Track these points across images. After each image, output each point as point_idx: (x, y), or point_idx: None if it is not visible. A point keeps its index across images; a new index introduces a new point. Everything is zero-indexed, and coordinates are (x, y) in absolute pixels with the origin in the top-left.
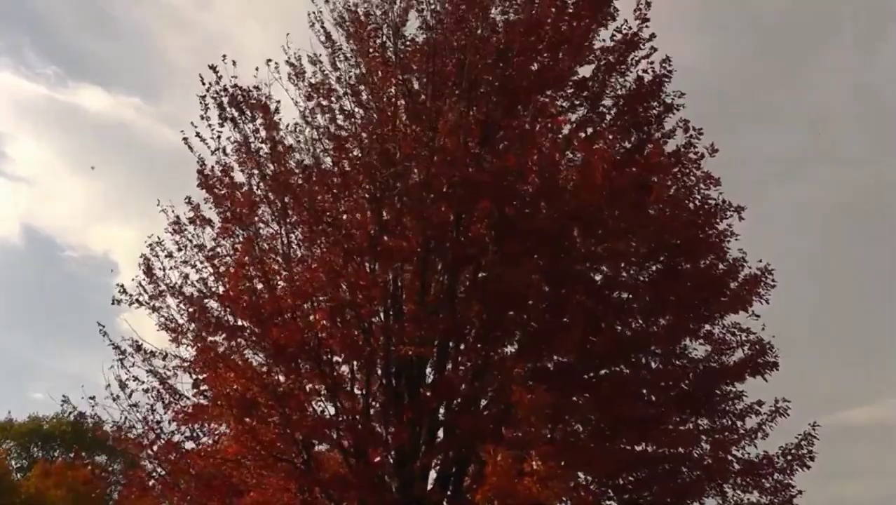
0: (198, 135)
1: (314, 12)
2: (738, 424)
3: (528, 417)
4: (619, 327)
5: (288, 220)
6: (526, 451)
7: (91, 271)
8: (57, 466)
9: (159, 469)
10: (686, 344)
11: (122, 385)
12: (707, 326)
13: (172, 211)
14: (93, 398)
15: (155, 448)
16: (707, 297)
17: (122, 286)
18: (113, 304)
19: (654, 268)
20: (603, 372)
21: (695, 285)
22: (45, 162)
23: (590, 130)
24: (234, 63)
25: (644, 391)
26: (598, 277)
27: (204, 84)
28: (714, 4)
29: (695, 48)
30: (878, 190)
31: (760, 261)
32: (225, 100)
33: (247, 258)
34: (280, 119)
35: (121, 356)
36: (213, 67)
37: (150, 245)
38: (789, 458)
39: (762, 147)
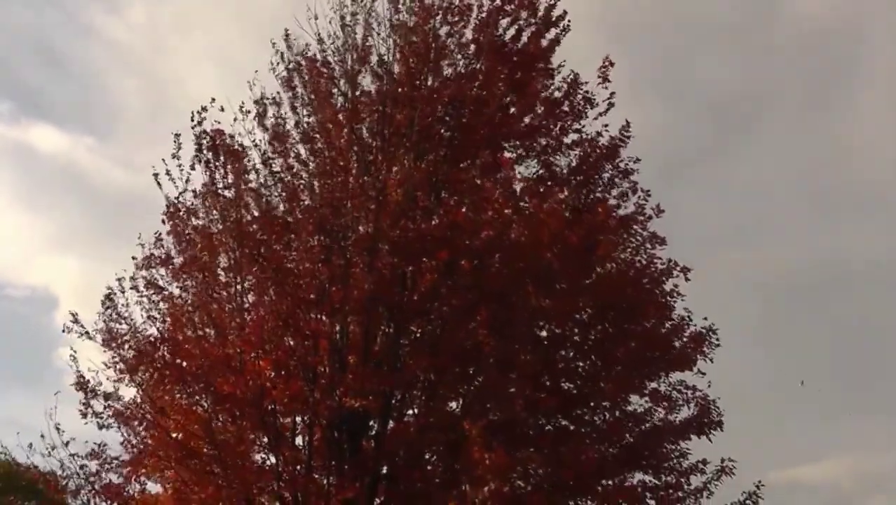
0: (167, 173)
1: (275, 59)
2: (683, 481)
3: (485, 477)
4: (565, 384)
5: (242, 268)
6: None
7: (31, 309)
8: None
9: None
10: (631, 400)
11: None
12: (653, 385)
13: (144, 247)
14: (30, 445)
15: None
16: (652, 355)
17: (75, 314)
18: (63, 331)
19: (600, 326)
20: (548, 427)
21: (640, 344)
22: None
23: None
24: (221, 108)
25: (588, 444)
26: (543, 334)
27: (192, 121)
28: (661, 73)
29: (642, 113)
30: (821, 261)
31: (706, 319)
32: (204, 142)
33: (199, 302)
34: (251, 165)
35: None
36: (203, 108)
37: (119, 279)
38: None
39: (705, 215)
